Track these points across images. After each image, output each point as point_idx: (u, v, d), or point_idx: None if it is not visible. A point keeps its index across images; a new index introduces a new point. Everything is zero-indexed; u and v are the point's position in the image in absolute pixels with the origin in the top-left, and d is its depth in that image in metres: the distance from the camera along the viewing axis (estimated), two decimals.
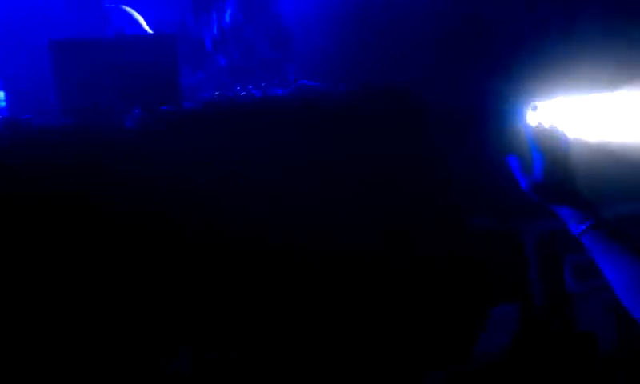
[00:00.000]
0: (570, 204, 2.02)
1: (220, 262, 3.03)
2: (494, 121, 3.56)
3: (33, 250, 2.87)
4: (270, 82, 3.41)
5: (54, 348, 2.82)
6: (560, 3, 4.59)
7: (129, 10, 4.48)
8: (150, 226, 2.99)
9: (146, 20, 4.44)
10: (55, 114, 3.43)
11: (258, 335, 3.03)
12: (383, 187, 3.33)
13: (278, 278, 3.06)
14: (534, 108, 2.15)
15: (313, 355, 3.03)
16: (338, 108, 3.33)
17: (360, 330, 3.10)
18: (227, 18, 4.16)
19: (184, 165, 3.02)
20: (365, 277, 3.17)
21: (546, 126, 2.07)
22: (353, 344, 3.07)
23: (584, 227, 1.97)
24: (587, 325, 3.75)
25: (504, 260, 3.37)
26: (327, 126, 3.28)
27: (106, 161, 2.97)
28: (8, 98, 3.93)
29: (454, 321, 3.17)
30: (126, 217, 2.96)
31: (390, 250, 3.25)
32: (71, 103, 3.41)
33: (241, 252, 3.06)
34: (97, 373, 2.83)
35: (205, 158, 3.05)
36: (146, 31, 4.45)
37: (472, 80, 3.82)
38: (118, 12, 4.49)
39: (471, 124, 3.65)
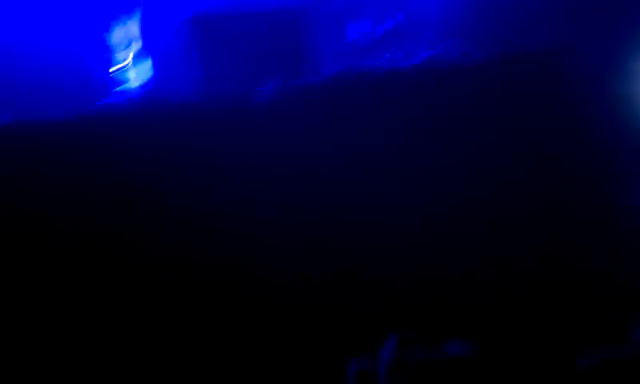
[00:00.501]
0: None
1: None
2: None
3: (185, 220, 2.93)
4: (398, 54, 3.28)
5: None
6: None
7: None
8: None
9: None
10: (194, 85, 3.51)
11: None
12: (532, 163, 3.12)
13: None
14: None
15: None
16: (470, 79, 3.15)
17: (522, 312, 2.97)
18: None
19: (311, 138, 2.99)
20: (523, 256, 3.01)
21: None
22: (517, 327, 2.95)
23: None
24: None
25: None
26: (456, 96, 3.11)
27: (237, 135, 2.99)
28: (156, 67, 4.08)
29: (613, 302, 2.97)
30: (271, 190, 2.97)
31: (548, 231, 3.06)
32: (209, 75, 3.48)
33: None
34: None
35: (332, 133, 3.01)
36: None
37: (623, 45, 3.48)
38: None
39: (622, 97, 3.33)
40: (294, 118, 3.07)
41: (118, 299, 2.78)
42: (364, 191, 3.00)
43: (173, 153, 2.97)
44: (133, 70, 3.83)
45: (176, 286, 2.82)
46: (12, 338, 2.70)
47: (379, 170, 3.02)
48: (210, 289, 2.84)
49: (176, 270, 2.83)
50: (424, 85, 3.11)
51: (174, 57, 4.17)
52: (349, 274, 2.91)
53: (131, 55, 3.83)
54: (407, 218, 2.98)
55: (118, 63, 3.91)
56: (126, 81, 3.78)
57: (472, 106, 3.11)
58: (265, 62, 3.39)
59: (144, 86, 3.84)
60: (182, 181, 2.94)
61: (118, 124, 3.02)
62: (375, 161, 3.02)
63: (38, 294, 2.78)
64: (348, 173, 3.01)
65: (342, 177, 3.00)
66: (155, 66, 4.04)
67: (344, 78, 3.10)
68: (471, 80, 3.13)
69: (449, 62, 3.16)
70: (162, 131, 3.02)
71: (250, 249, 2.90)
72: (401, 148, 3.03)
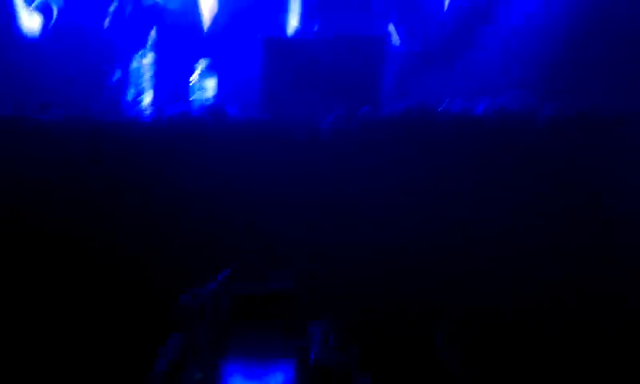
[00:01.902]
0: None
1: None
2: None
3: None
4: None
5: None
6: None
7: None
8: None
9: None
10: (258, 106, 3.54)
11: None
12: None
13: None
14: None
15: None
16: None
17: None
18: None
19: (371, 170, 2.97)
20: None
21: None
22: None
23: None
24: None
25: None
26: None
27: (294, 157, 3.00)
28: (223, 83, 4.13)
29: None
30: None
31: None
32: (275, 97, 3.49)
33: None
34: None
35: (396, 167, 2.97)
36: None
37: None
38: None
39: None
40: (355, 147, 3.06)
41: None
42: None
43: (233, 161, 3.04)
44: (201, 82, 3.87)
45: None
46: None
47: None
48: None
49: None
50: (495, 131, 3.06)
51: (242, 75, 4.22)
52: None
53: (199, 70, 3.87)
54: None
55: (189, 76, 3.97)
56: (194, 92, 3.83)
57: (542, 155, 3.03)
58: (336, 87, 3.39)
59: (210, 99, 3.88)
60: (242, 189, 3.03)
61: (183, 130, 3.09)
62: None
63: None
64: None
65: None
66: (222, 81, 4.09)
67: (414, 114, 3.06)
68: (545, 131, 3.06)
69: (520, 112, 3.10)
70: (220, 141, 3.07)
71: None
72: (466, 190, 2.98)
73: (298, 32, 4.01)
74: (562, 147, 3.01)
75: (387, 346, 2.81)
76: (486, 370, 2.79)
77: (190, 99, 3.81)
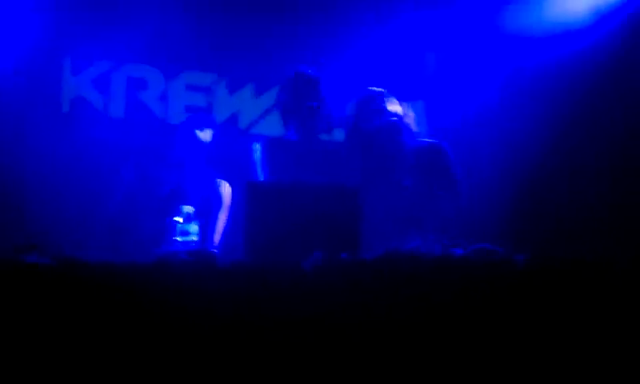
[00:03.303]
0: None
1: None
2: None
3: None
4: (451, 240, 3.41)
5: None
6: None
7: None
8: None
9: None
10: (242, 247, 3.63)
11: None
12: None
13: None
14: None
15: None
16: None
17: None
18: None
19: (353, 313, 3.05)
20: None
21: None
22: None
23: None
24: None
25: None
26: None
27: (280, 298, 3.07)
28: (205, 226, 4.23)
29: None
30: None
31: None
32: (256, 239, 3.60)
33: None
34: None
35: (374, 311, 3.06)
36: None
37: None
38: None
39: None
40: (337, 289, 3.15)
41: None
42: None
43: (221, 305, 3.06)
44: (185, 225, 3.98)
45: None
46: None
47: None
48: None
49: None
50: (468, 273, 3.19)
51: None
52: None
53: (185, 212, 4.00)
54: None
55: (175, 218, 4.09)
56: (180, 234, 3.92)
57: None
58: (317, 230, 3.52)
59: (194, 242, 3.98)
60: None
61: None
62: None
63: None
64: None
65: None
66: (204, 224, 4.20)
67: (393, 258, 3.20)
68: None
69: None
70: (209, 286, 3.13)
71: None
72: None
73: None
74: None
75: None
76: None
77: (175, 240, 3.91)
